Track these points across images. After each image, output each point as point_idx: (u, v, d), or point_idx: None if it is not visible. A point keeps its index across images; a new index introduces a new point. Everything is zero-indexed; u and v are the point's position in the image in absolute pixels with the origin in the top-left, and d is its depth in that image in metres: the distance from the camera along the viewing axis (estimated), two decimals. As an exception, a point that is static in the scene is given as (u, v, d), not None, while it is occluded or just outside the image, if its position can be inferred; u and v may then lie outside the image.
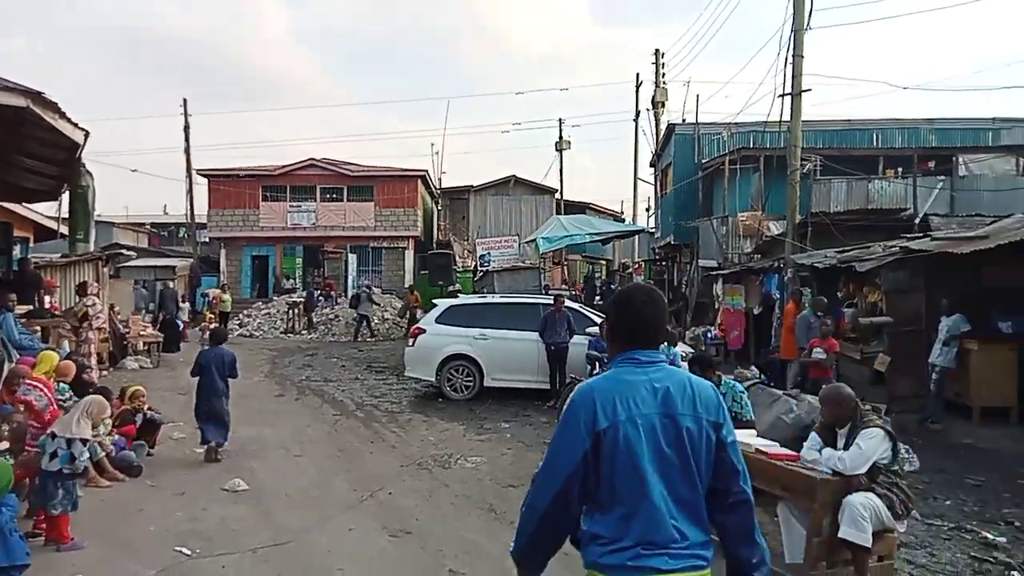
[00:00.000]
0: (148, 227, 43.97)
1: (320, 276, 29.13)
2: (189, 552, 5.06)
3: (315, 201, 29.86)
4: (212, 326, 19.99)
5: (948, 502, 6.43)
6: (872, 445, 4.35)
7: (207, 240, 32.27)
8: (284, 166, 29.97)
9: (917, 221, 13.58)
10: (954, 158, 17.30)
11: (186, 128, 31.33)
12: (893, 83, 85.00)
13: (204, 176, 30.47)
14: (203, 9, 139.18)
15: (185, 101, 31.39)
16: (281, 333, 23.16)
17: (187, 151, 31.36)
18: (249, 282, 30.02)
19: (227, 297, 24.05)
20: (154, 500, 6.27)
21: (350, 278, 29.01)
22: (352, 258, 29.43)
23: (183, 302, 22.94)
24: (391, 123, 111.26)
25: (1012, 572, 4.87)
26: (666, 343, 11.14)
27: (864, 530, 4.18)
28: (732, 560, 2.24)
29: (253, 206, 29.76)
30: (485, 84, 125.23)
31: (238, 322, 24.06)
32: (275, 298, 26.75)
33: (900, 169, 17.71)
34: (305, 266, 30.17)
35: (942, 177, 17.11)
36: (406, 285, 26.21)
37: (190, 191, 31.53)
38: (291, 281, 29.40)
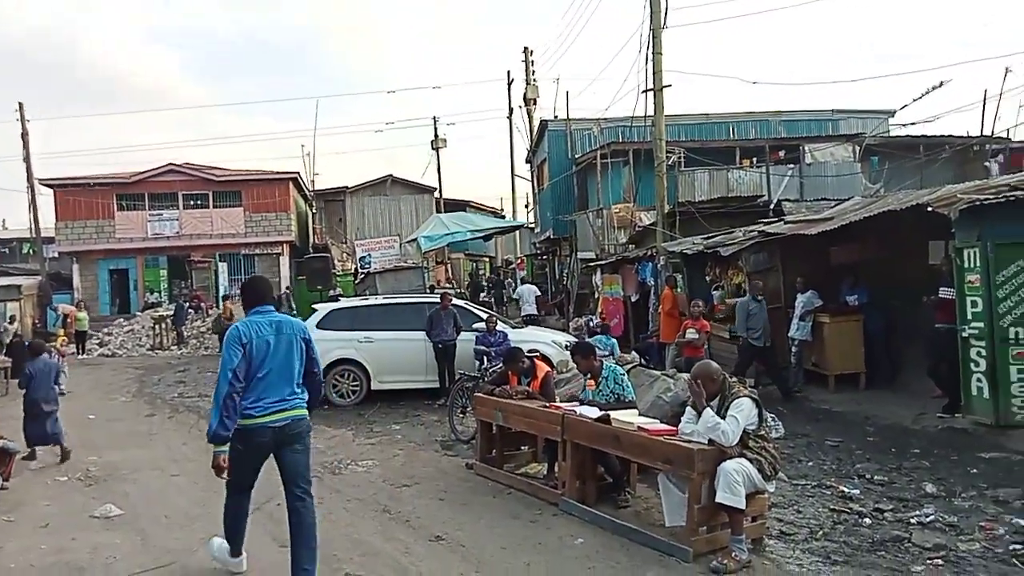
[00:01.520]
0: (-15, 243, 40.02)
1: (188, 287, 27.61)
2: (58, 586, 4.70)
3: (178, 208, 28.22)
4: (64, 347, 18.58)
5: (811, 463, 7.00)
6: (744, 414, 4.69)
7: (56, 255, 29.77)
8: (141, 172, 28.11)
9: (772, 207, 14.61)
10: (801, 147, 18.69)
11: (24, 134, 28.75)
12: (744, 78, 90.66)
13: (48, 186, 28.08)
14: (38, 2, 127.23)
15: (21, 105, 28.86)
16: (148, 350, 21.79)
17: (27, 159, 28.79)
18: (108, 298, 28.00)
19: (83, 315, 22.33)
20: (12, 535, 5.74)
21: (221, 288, 27.66)
22: (222, 267, 28.09)
23: (11, 323, 21.04)
24: (257, 125, 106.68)
25: (864, 519, 5.38)
26: (605, 335, 10.94)
27: (738, 494, 4.48)
28: (310, 397, 4.59)
29: (108, 216, 27.75)
30: (355, 83, 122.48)
31: (98, 341, 22.41)
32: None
33: (755, 159, 18.96)
34: (171, 278, 28.47)
35: (791, 165, 18.44)
36: (282, 290, 25.19)
37: (33, 202, 29.00)
38: (155, 295, 27.72)
